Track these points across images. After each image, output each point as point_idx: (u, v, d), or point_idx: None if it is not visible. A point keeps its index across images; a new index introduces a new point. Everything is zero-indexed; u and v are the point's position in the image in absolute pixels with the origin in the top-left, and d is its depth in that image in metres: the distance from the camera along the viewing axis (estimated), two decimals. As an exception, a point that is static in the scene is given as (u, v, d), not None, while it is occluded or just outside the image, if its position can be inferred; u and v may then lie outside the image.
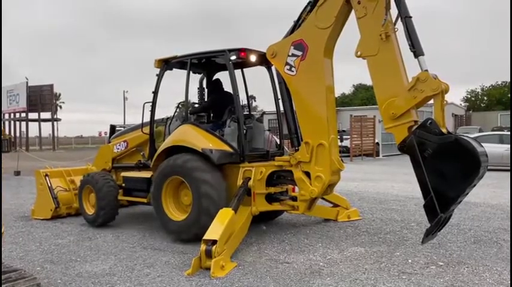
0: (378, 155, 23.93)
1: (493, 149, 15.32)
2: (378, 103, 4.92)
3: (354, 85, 62.75)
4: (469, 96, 56.90)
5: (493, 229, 6.38)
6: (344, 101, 54.23)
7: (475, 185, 4.46)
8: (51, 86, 42.73)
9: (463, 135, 4.65)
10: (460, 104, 48.43)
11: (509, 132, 18.40)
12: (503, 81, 54.84)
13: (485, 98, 55.57)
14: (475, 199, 8.63)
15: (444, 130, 4.52)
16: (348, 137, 22.24)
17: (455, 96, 58.42)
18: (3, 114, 41.56)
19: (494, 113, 43.13)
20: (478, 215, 7.41)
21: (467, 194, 4.57)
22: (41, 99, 41.94)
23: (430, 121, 4.51)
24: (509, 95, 53.64)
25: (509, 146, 15.48)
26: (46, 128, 55.65)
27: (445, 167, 4.40)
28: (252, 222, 5.81)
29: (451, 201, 4.44)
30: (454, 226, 6.44)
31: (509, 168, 15.23)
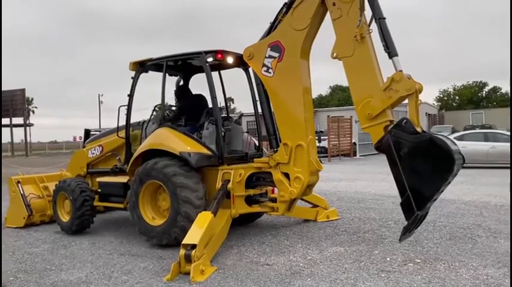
0: (355, 155, 24.25)
1: (479, 147, 15.74)
2: (354, 104, 4.97)
3: (330, 86, 63.61)
4: (441, 95, 58.42)
5: (468, 225, 6.53)
6: (321, 102, 54.84)
7: (449, 183, 4.55)
8: (23, 90, 41.63)
9: (438, 134, 4.74)
10: (433, 104, 49.66)
11: (492, 130, 18.94)
12: (474, 81, 56.60)
13: (457, 97, 57.14)
14: (450, 196, 8.83)
15: (419, 129, 4.60)
16: (326, 137, 22.46)
17: (429, 96, 59.84)
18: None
19: (466, 112, 44.37)
20: (453, 212, 7.58)
21: (443, 191, 4.65)
22: (13, 104, 40.80)
23: (405, 121, 4.58)
24: (479, 95, 55.38)
25: (494, 143, 15.79)
26: (18, 134, 54.23)
27: (421, 166, 4.48)
28: (232, 225, 5.77)
29: (427, 199, 4.51)
30: (430, 223, 6.57)
31: (493, 165, 15.68)
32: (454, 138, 16.53)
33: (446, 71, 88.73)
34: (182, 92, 7.07)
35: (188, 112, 6.70)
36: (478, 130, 20.26)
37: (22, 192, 7.45)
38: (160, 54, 6.50)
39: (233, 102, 63.59)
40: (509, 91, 52.56)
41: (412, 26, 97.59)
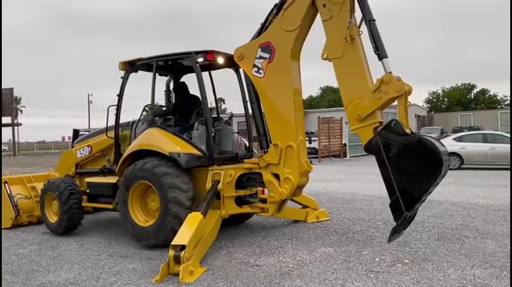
0: (345, 155, 24.38)
1: (478, 148, 15.77)
2: (344, 105, 5.00)
3: (321, 87, 63.77)
4: (430, 97, 58.97)
5: (456, 225, 6.60)
6: (311, 103, 54.98)
7: (438, 184, 4.59)
8: (11, 89, 41.12)
9: (426, 136, 4.78)
10: (423, 105, 50.13)
11: (492, 131, 19.03)
12: (463, 83, 57.24)
13: (445, 99, 57.74)
14: (438, 197, 8.92)
15: (408, 131, 4.63)
16: (316, 138, 22.53)
17: (418, 98, 60.33)
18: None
19: (454, 114, 44.83)
20: (441, 212, 7.65)
21: (431, 192, 4.69)
22: (0, 103, 40.25)
23: (394, 122, 4.62)
24: (467, 97, 56.01)
25: (493, 145, 15.83)
26: (6, 134, 53.46)
27: (410, 167, 4.51)
28: (222, 225, 5.75)
29: (415, 200, 4.54)
30: (419, 223, 6.62)
31: (493, 167, 15.78)
32: (453, 139, 16.65)
33: (436, 73, 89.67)
34: (180, 89, 7.02)
35: (182, 110, 6.67)
36: (477, 131, 20.24)
37: (9, 192, 7.35)
38: (150, 54, 6.48)
39: (224, 103, 63.49)
40: (498, 93, 53.40)
41: (401, 27, 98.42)
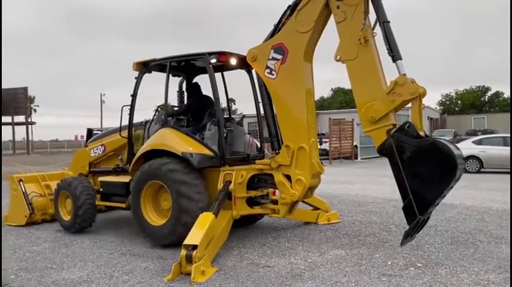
0: (356, 157, 24.24)
1: (497, 152, 15.40)
2: (357, 107, 4.97)
3: (332, 88, 63.59)
4: (443, 100, 58.39)
5: (469, 230, 6.52)
6: (323, 105, 54.83)
7: (452, 187, 4.54)
8: (25, 89, 41.78)
9: (440, 138, 4.74)
10: (435, 108, 49.64)
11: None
12: (477, 86, 56.57)
13: (459, 102, 57.11)
14: (452, 201, 8.82)
15: (422, 133, 4.60)
16: (327, 140, 22.45)
17: (431, 100, 59.71)
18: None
19: (468, 117, 44.35)
20: (454, 216, 7.56)
21: (445, 196, 4.65)
22: (15, 102, 40.90)
23: (408, 124, 4.58)
24: (481, 99, 55.35)
25: None
26: (20, 132, 54.31)
27: (423, 170, 4.48)
28: (233, 226, 5.77)
29: (429, 203, 4.51)
30: (432, 227, 6.56)
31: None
32: (472, 142, 16.35)
33: (449, 75, 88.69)
34: (193, 89, 7.06)
35: (195, 110, 6.71)
36: (497, 135, 19.80)
37: (24, 190, 7.46)
38: (161, 54, 6.53)
39: (234, 104, 63.58)
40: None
41: (414, 28, 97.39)
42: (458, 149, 4.58)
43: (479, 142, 16.24)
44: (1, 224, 7.00)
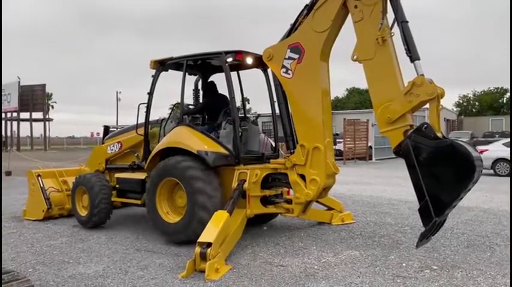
0: (370, 158, 24.04)
1: None
2: (374, 107, 4.94)
3: (347, 89, 63.13)
4: (460, 101, 57.48)
5: (486, 233, 6.42)
6: (337, 105, 54.49)
7: (469, 190, 4.48)
8: (44, 85, 42.42)
9: (458, 140, 4.68)
10: (452, 109, 48.93)
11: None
12: (495, 87, 55.54)
13: (476, 103, 56.16)
14: (468, 203, 8.69)
15: (439, 135, 4.54)
16: (341, 140, 22.32)
17: (448, 101, 58.89)
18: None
19: (485, 118, 43.60)
20: (471, 219, 7.46)
21: (462, 198, 4.59)
22: (33, 99, 41.60)
23: (425, 125, 4.54)
24: (499, 101, 54.32)
25: None
26: (37, 128, 55.26)
27: (441, 172, 4.43)
28: (247, 225, 5.79)
29: (446, 205, 4.45)
30: (448, 230, 6.48)
31: None
32: (503, 144, 15.99)
33: (466, 76, 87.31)
34: (209, 88, 7.10)
35: (210, 109, 6.75)
36: None
37: (42, 185, 7.60)
38: (177, 53, 6.59)
39: (248, 103, 63.65)
40: None
41: (433, 28, 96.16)
42: (476, 150, 4.52)
43: (510, 144, 15.72)
44: (1, 222, 7.06)
